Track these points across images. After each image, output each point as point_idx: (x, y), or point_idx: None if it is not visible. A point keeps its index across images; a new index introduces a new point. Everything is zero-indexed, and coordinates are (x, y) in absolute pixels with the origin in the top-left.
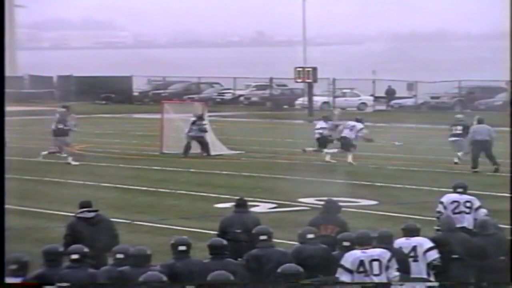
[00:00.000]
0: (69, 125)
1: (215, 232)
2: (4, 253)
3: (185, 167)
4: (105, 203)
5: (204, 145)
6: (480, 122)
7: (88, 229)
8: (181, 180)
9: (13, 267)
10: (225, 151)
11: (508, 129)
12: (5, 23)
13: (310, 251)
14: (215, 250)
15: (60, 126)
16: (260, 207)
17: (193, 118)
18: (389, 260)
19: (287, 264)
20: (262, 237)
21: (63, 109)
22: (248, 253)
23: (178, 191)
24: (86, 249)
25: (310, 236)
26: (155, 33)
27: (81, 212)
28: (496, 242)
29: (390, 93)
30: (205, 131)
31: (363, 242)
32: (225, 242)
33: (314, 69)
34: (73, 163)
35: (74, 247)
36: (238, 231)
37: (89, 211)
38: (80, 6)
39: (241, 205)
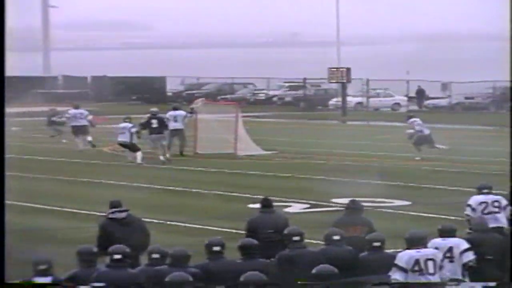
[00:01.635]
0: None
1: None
2: (4, 253)
3: (219, 167)
4: (138, 204)
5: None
6: None
7: (121, 230)
8: (215, 181)
9: (42, 267)
10: (258, 151)
11: None
12: (40, 23)
13: (336, 252)
14: (247, 250)
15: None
16: (293, 208)
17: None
18: (442, 260)
19: (322, 265)
20: (295, 238)
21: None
22: (280, 253)
23: (212, 192)
24: (127, 249)
25: (336, 237)
26: (189, 34)
27: (112, 213)
28: None
29: (420, 93)
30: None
31: (417, 242)
32: (256, 242)
33: (348, 69)
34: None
35: (115, 247)
36: (270, 231)
37: (121, 211)
38: (113, 7)
39: (267, 205)
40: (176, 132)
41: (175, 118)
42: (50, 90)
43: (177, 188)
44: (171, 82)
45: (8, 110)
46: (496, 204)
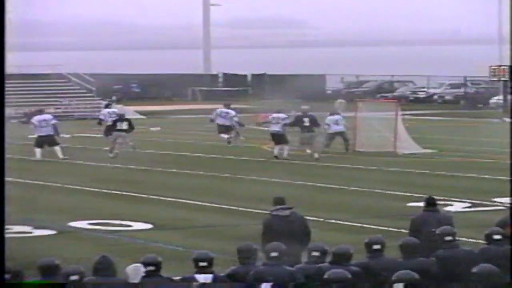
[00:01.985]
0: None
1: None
2: (4, 253)
3: (378, 165)
4: (299, 201)
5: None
6: None
7: (284, 227)
8: (374, 179)
9: (202, 264)
10: (418, 149)
11: None
12: (200, 21)
13: (496, 252)
14: (407, 249)
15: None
16: (454, 207)
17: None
18: None
19: (483, 264)
20: (447, 238)
21: None
22: (435, 253)
23: (371, 190)
24: (284, 247)
25: (497, 237)
26: (349, 32)
27: (276, 210)
28: None
29: None
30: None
31: None
32: (417, 241)
33: (510, 67)
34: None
35: (272, 244)
36: (434, 230)
37: (284, 209)
38: (274, 5)
39: (432, 203)
40: (339, 134)
41: (336, 122)
42: (210, 88)
43: (335, 186)
44: (331, 80)
45: (169, 107)
46: None
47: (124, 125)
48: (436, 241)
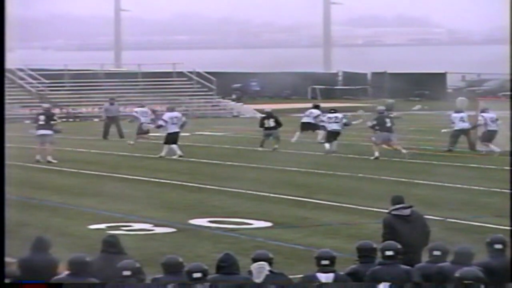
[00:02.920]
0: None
1: None
2: (4, 253)
3: (499, 164)
4: (419, 200)
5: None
6: None
7: (405, 226)
8: (495, 178)
9: (325, 262)
10: None
11: None
12: (322, 19)
13: None
14: None
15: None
16: None
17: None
18: None
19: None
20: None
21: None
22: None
23: (492, 189)
24: (399, 246)
25: None
26: (470, 30)
27: (397, 209)
28: None
29: None
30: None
31: None
32: None
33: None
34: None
35: (387, 243)
36: None
37: (405, 208)
38: (395, 3)
39: None
40: (463, 132)
41: (462, 119)
42: (330, 87)
43: (457, 185)
44: (452, 79)
45: (288, 106)
46: None
47: (272, 123)
48: None
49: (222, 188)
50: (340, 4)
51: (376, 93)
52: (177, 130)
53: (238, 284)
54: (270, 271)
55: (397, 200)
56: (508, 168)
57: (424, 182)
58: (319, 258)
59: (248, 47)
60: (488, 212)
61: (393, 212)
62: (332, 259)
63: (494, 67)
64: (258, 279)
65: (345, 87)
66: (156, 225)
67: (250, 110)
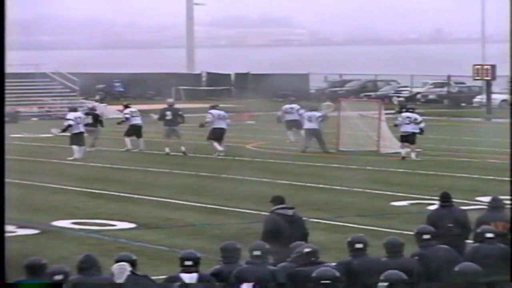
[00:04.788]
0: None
1: (392, 230)
2: (4, 253)
3: (361, 164)
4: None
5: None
6: None
7: (288, 226)
8: (357, 178)
9: (188, 263)
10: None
11: None
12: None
13: (487, 250)
14: (392, 248)
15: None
16: (436, 205)
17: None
18: None
19: (465, 263)
20: (425, 236)
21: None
22: (413, 253)
23: (354, 189)
24: (267, 246)
25: (490, 235)
26: (332, 31)
27: (281, 208)
28: None
29: None
30: None
31: None
32: (401, 240)
33: (493, 66)
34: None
35: (255, 243)
36: (450, 225)
37: (288, 208)
38: (258, 4)
39: (447, 199)
40: (312, 131)
41: (310, 118)
42: (194, 87)
43: (320, 185)
44: (314, 79)
45: (153, 106)
46: None
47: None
48: (453, 235)
49: (85, 190)
50: (203, 5)
51: (240, 93)
52: (82, 130)
53: (99, 285)
54: (132, 272)
55: (278, 200)
56: (370, 168)
57: (287, 182)
58: (182, 259)
59: (111, 47)
60: (349, 212)
61: (277, 211)
62: (196, 260)
63: (355, 68)
64: (119, 280)
65: (209, 87)
66: (19, 227)
67: (113, 111)
